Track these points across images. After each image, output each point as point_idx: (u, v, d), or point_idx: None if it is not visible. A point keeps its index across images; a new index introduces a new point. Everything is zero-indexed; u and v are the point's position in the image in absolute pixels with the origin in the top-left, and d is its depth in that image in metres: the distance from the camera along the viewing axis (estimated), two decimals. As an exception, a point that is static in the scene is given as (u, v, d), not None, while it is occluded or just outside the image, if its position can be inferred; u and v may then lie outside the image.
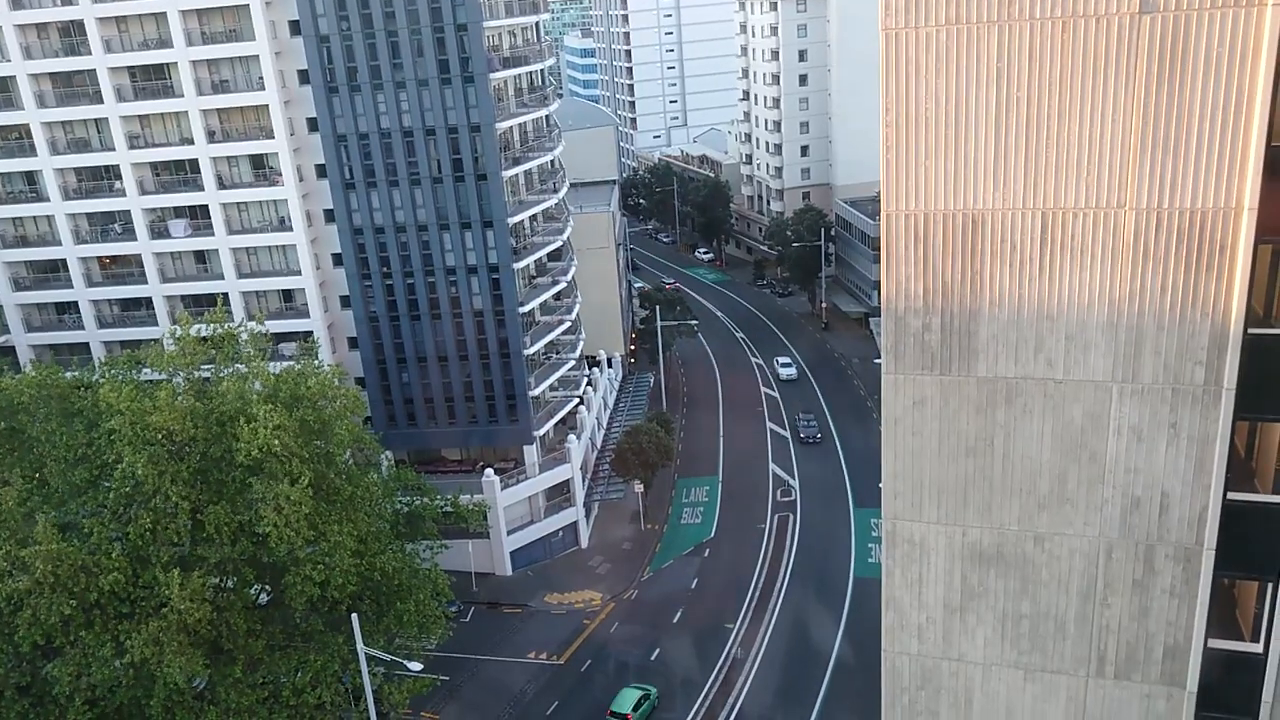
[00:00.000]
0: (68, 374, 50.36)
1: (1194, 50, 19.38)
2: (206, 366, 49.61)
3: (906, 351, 23.52)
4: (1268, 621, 22.49)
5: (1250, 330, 20.60)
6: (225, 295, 71.01)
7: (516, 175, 70.55)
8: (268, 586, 48.95)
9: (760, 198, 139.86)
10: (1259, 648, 22.77)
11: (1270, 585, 22.27)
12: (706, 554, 73.07)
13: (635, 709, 55.89)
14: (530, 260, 71.68)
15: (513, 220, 68.53)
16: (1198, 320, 20.94)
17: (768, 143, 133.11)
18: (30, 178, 72.92)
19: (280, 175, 69.94)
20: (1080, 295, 21.73)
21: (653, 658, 61.73)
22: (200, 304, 69.57)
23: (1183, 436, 21.84)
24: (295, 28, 65.71)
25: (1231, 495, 21.89)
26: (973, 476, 23.97)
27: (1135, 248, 20.92)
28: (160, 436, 42.82)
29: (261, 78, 67.83)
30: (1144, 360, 21.63)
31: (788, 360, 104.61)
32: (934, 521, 24.73)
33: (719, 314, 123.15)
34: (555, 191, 76.38)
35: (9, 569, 40.75)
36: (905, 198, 22.35)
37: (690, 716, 56.32)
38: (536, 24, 76.42)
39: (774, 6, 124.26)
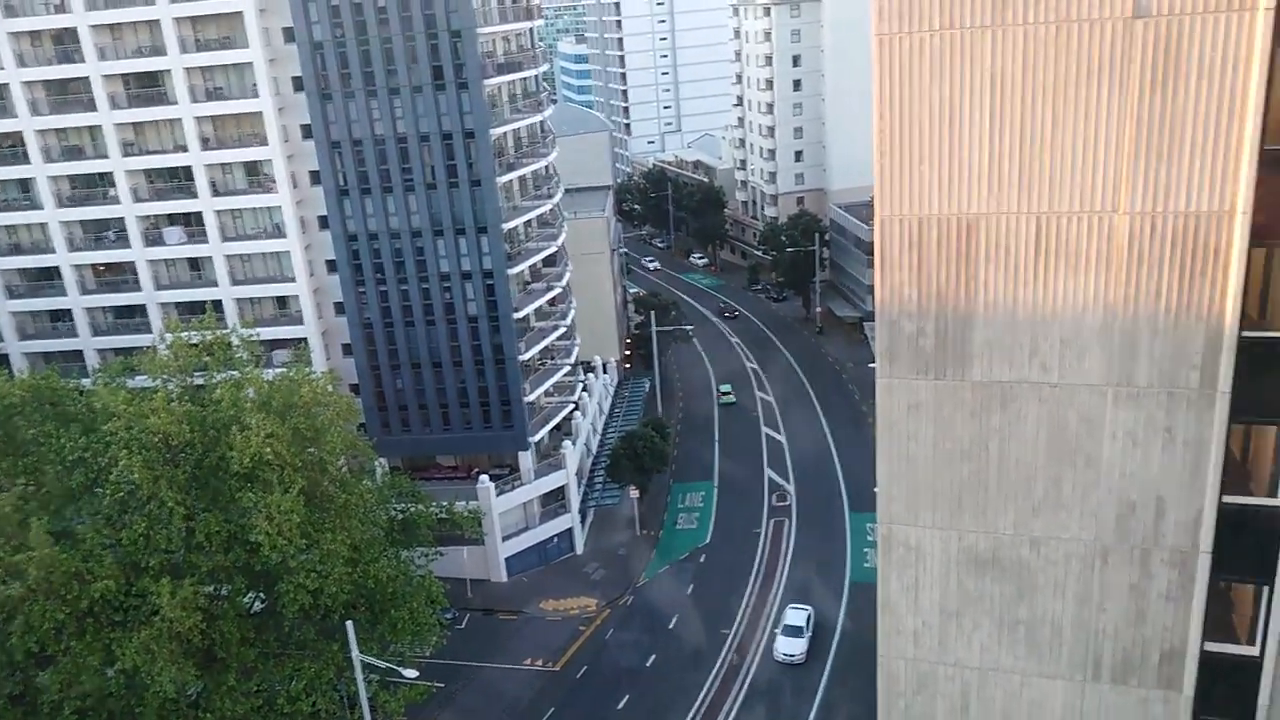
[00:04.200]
0: (62, 380, 50.22)
1: (1187, 54, 19.42)
2: (199, 374, 49.52)
3: (901, 356, 23.51)
4: (1264, 625, 22.49)
5: (1244, 333, 20.62)
6: (219, 302, 70.98)
7: (511, 181, 70.51)
8: (261, 594, 48.79)
9: (754, 203, 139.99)
10: (1255, 651, 22.76)
11: (1266, 588, 22.28)
12: (702, 560, 72.95)
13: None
14: (524, 266, 71.60)
15: (507, 226, 68.48)
16: (1192, 324, 20.95)
17: (762, 148, 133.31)
18: (24, 185, 72.83)
19: (274, 182, 69.91)
20: (1075, 299, 21.74)
21: (649, 663, 61.59)
22: (194, 311, 69.27)
23: (1178, 440, 21.84)
24: (289, 35, 65.68)
25: (1227, 498, 21.90)
26: (968, 481, 23.96)
27: (1130, 252, 20.94)
28: (156, 440, 42.71)
29: (255, 85, 67.82)
30: (1139, 364, 21.63)
31: (798, 622, 62.29)
32: (929, 526, 24.70)
33: (713, 319, 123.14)
34: (549, 197, 76.36)
35: (3, 576, 40.57)
36: (899, 202, 22.36)
37: (686, 723, 56.24)
38: (530, 30, 76.45)
39: (767, 12, 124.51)
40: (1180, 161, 20.07)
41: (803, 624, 62.21)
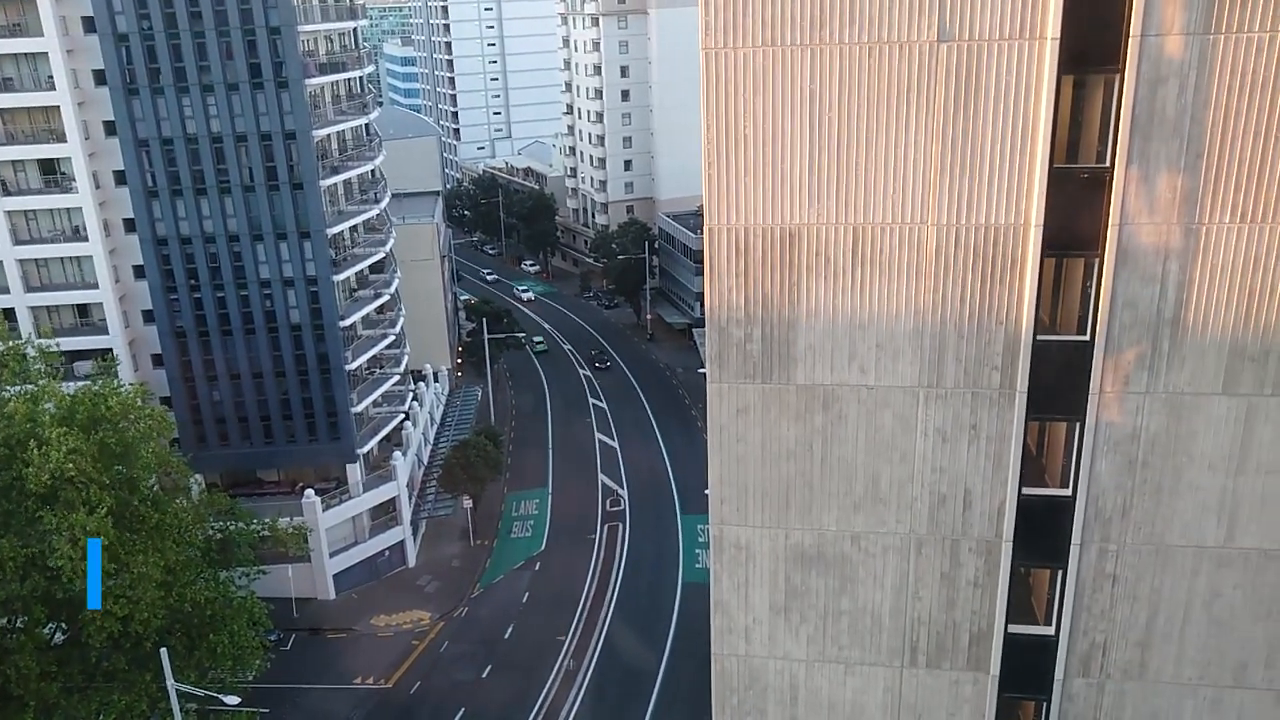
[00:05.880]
0: None
1: (986, 78, 20.83)
2: (-11, 388, 45.82)
3: (730, 361, 24.16)
4: (1058, 605, 24.34)
5: (1039, 337, 22.28)
6: (11, 310, 65.82)
7: (335, 185, 68.46)
8: (64, 624, 45.47)
9: (585, 210, 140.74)
10: (1051, 630, 24.60)
11: (1060, 572, 24.11)
12: (538, 567, 72.71)
13: None
14: (351, 272, 69.63)
15: (332, 231, 66.39)
16: (993, 328, 22.46)
17: (592, 156, 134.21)
18: None
19: (74, 181, 65.34)
20: (889, 306, 22.92)
21: (484, 675, 60.88)
22: (-18, 320, 64.12)
23: (982, 437, 23.35)
24: (90, 24, 61.55)
25: (1025, 490, 23.57)
26: (794, 480, 24.83)
27: (937, 261, 22.25)
28: (-64, 464, 39.20)
29: (51, 77, 63.22)
30: (947, 366, 23.01)
31: None
32: (759, 525, 25.46)
33: (546, 326, 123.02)
34: (376, 202, 74.51)
35: None
36: (726, 212, 22.98)
37: (523, 732, 55.87)
38: (354, 30, 74.50)
39: (595, 22, 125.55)
40: (981, 177, 21.50)
41: None
